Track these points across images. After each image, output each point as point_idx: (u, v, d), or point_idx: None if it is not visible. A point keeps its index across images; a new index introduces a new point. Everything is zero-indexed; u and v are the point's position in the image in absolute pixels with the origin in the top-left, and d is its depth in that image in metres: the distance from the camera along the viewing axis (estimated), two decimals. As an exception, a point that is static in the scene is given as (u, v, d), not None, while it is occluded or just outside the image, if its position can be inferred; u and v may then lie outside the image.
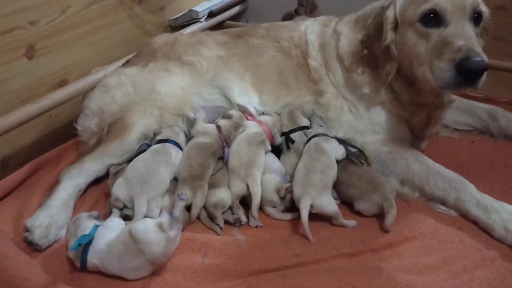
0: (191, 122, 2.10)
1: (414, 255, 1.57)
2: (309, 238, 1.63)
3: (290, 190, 1.78)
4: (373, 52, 1.96)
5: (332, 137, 1.96)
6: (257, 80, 2.20)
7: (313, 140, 1.91)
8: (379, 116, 2.02)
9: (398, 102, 1.99)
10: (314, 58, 2.17)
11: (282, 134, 2.05)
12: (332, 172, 1.79)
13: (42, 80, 2.30)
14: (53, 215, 1.72)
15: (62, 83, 2.37)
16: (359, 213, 1.77)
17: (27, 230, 1.67)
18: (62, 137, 2.26)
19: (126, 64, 2.27)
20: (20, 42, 2.16)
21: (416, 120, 2.01)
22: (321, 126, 2.07)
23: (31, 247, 1.64)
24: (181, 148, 1.93)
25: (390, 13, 1.87)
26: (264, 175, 1.84)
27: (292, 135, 2.01)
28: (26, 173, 1.95)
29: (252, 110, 2.16)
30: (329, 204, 1.70)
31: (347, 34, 2.10)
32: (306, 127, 2.06)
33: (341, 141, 1.96)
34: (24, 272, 1.47)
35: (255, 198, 1.74)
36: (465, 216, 1.71)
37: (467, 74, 1.64)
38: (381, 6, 1.94)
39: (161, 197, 1.74)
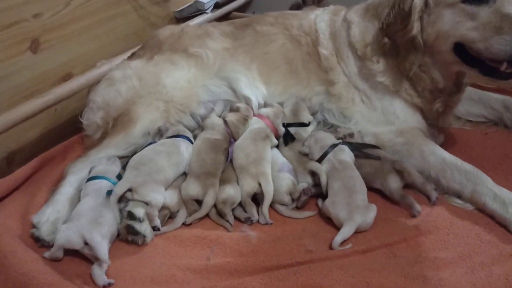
0: (198, 118, 2.07)
1: (430, 250, 1.54)
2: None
3: (306, 193, 1.74)
4: (394, 41, 1.91)
5: (340, 142, 1.89)
6: (265, 69, 2.17)
7: (330, 155, 1.81)
8: (393, 105, 1.99)
9: (415, 90, 1.95)
10: (325, 47, 2.13)
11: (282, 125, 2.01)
12: (365, 187, 1.74)
13: (46, 74, 2.28)
14: (59, 210, 1.70)
15: (67, 77, 2.35)
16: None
17: (33, 226, 1.65)
18: (67, 132, 2.25)
19: (132, 57, 2.25)
20: (24, 35, 2.13)
21: (434, 108, 1.96)
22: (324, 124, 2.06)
23: (38, 243, 1.62)
24: (192, 143, 1.90)
25: (417, 0, 1.79)
26: (276, 173, 1.78)
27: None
28: (32, 168, 1.94)
29: (255, 103, 2.11)
30: (371, 222, 1.63)
31: (358, 23, 2.06)
32: (305, 125, 2.00)
33: (348, 144, 1.90)
34: (32, 270, 1.45)
35: (268, 197, 1.70)
36: (481, 209, 1.68)
37: None
38: None
39: (159, 184, 1.69)
